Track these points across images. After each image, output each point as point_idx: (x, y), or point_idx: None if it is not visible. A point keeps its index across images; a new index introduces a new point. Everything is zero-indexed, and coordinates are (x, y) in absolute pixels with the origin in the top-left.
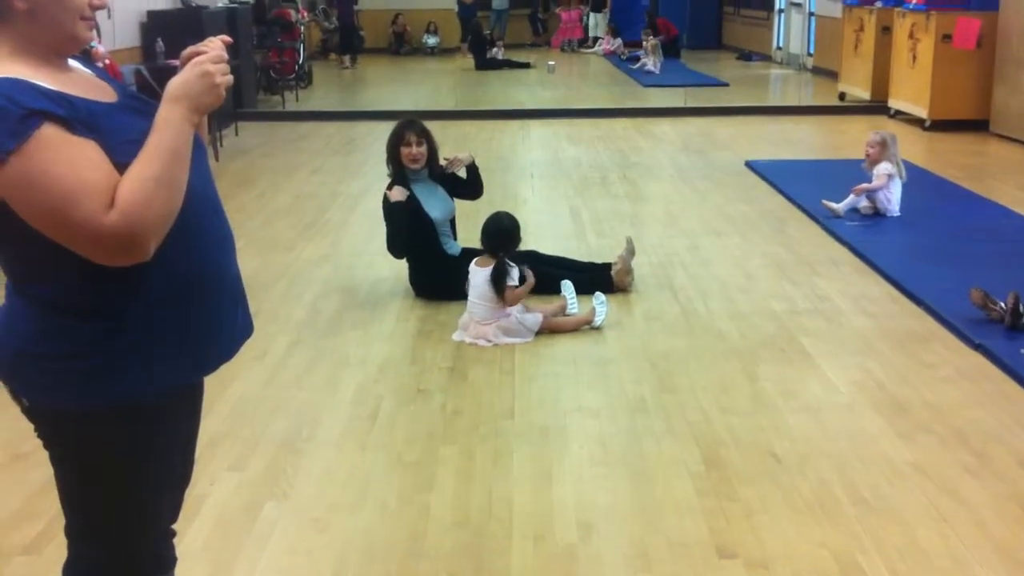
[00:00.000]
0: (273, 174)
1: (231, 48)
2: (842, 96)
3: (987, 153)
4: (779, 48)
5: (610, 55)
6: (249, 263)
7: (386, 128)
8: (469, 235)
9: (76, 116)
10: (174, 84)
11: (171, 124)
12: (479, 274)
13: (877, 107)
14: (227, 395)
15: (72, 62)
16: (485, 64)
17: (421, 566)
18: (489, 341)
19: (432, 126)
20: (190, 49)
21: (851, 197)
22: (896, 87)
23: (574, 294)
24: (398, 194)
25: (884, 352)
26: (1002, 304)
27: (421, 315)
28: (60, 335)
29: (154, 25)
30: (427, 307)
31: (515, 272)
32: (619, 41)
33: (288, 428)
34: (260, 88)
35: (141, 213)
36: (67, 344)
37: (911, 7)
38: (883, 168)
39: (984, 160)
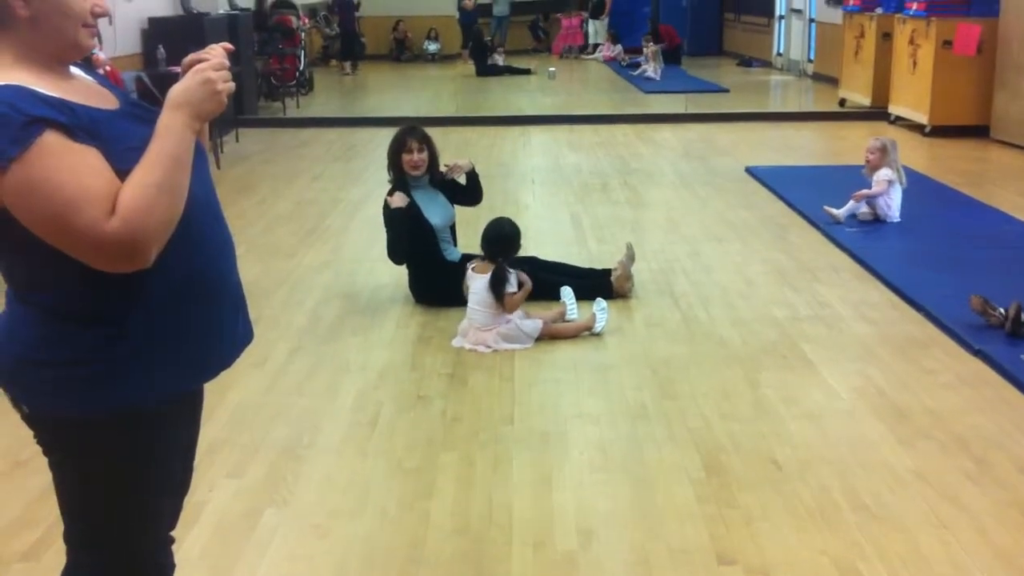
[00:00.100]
0: (274, 180)
1: (232, 55)
2: (842, 102)
3: (987, 159)
4: (780, 54)
5: (611, 61)
6: (250, 269)
7: (387, 134)
8: (469, 241)
9: (78, 123)
10: (176, 91)
11: (172, 131)
12: (478, 280)
13: (877, 113)
14: (227, 401)
15: (74, 69)
16: (486, 70)
17: (421, 572)
18: (489, 347)
19: (433, 132)
20: (192, 56)
21: (851, 203)
22: (896, 93)
23: (574, 300)
24: (399, 200)
25: (885, 358)
26: (1001, 310)
27: (421, 321)
28: (61, 342)
29: (155, 32)
30: (427, 313)
31: (513, 278)
32: (620, 47)
33: (288, 434)
34: (261, 95)
35: (142, 220)
36: (68, 351)
37: (911, 13)
38: (883, 174)
39: (984, 166)
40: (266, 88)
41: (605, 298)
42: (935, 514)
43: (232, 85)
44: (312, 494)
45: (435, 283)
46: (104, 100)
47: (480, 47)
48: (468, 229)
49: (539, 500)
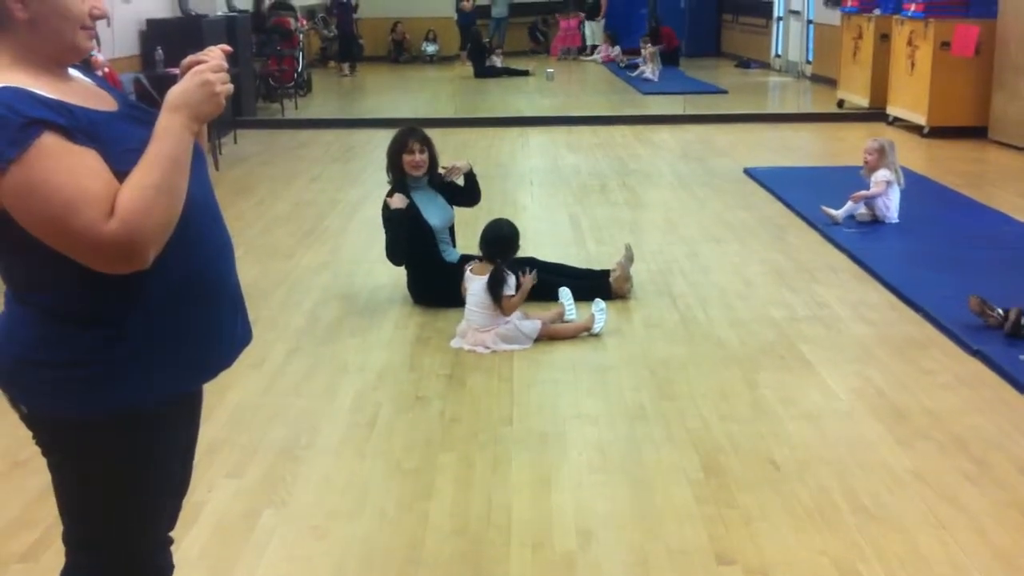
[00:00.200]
0: (272, 182)
1: (231, 57)
2: (841, 103)
3: (986, 160)
4: (778, 56)
5: (609, 63)
6: (248, 271)
7: (385, 136)
8: (468, 242)
9: (76, 125)
10: (174, 93)
11: (171, 133)
12: (476, 282)
13: (876, 114)
14: (225, 402)
15: (72, 71)
16: (484, 72)
17: (420, 573)
18: (487, 348)
19: (431, 134)
20: (190, 58)
21: (849, 204)
22: (895, 94)
23: (572, 301)
24: (398, 201)
25: (883, 359)
26: (1000, 311)
27: (419, 322)
28: (60, 343)
29: (153, 34)
30: (425, 314)
31: (511, 279)
32: (618, 49)
33: (287, 435)
34: (259, 96)
35: (141, 221)
36: (67, 352)
37: (909, 14)
38: (881, 175)
39: (983, 167)
40: (264, 89)
41: (604, 299)
42: (934, 514)
43: (230, 87)
44: (310, 495)
45: (434, 284)
46: (102, 102)
47: (478, 48)
48: (467, 230)
49: (538, 501)
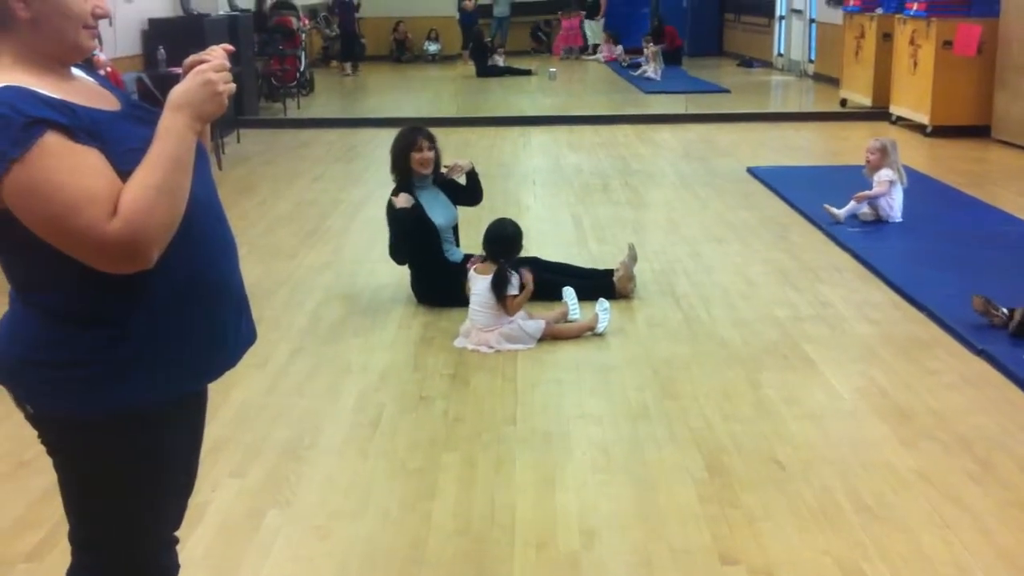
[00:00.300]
0: (275, 181)
1: (233, 56)
2: (843, 102)
3: (989, 159)
4: (780, 55)
5: (611, 62)
6: (251, 270)
7: (387, 135)
8: (471, 241)
9: (79, 124)
10: (176, 93)
11: (173, 132)
12: (480, 281)
13: (878, 113)
14: (229, 401)
15: (75, 70)
16: (486, 71)
17: (423, 573)
18: (491, 347)
19: (434, 133)
20: (192, 58)
21: (852, 203)
22: (897, 93)
23: (576, 301)
24: (404, 201)
25: (887, 359)
26: (1004, 310)
27: (423, 322)
28: (62, 343)
29: (155, 33)
30: (429, 314)
31: (515, 279)
32: (620, 48)
33: (290, 435)
34: (262, 96)
35: (144, 221)
36: (68, 352)
37: (912, 14)
38: (884, 174)
39: (986, 166)
40: (267, 89)
41: (607, 298)
42: (938, 514)
43: (233, 86)
44: (314, 495)
45: (437, 283)
46: (105, 101)
47: (480, 48)
48: (471, 229)
49: (541, 501)
